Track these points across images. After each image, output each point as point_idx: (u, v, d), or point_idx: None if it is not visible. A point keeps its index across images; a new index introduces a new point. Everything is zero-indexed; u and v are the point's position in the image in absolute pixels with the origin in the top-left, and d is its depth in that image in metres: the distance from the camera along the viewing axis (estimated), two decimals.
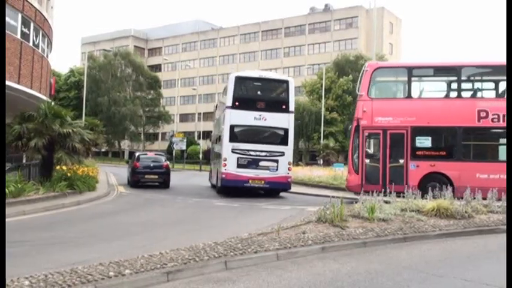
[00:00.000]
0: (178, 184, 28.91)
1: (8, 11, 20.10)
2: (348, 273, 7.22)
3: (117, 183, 26.40)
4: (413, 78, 18.17)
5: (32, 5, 22.13)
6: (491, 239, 10.63)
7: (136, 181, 24.40)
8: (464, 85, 18.08)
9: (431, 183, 16.49)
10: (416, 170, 17.19)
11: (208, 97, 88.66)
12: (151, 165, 24.84)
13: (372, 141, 18.26)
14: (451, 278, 7.06)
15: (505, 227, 11.61)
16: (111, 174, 33.32)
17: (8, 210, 12.82)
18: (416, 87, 18.50)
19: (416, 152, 17.39)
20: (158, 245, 8.52)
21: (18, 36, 20.94)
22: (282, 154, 20.49)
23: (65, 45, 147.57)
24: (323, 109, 55.62)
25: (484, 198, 13.29)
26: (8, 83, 19.52)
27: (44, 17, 24.34)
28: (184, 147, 56.31)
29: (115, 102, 72.16)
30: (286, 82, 21.43)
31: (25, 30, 21.68)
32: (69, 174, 18.20)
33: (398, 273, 7.28)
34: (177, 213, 15.17)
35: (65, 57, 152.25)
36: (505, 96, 17.07)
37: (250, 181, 20.14)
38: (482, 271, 7.60)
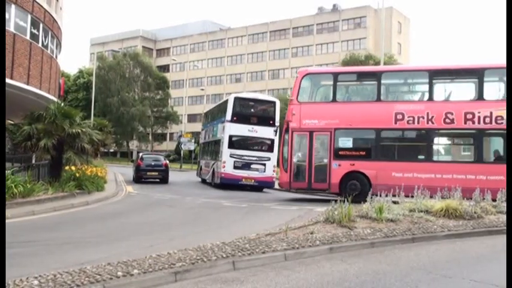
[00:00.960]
0: (186, 184, 29.05)
1: (17, 11, 20.23)
2: (356, 273, 7.21)
3: (126, 183, 26.52)
4: (338, 83, 19.16)
5: (41, 6, 22.26)
6: (501, 239, 10.53)
7: (140, 177, 28.02)
8: (383, 89, 18.87)
9: (351, 181, 17.81)
10: (338, 168, 18.19)
11: (216, 97, 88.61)
12: (153, 163, 28.63)
13: (299, 142, 19.12)
14: (460, 278, 7.03)
15: None
16: (120, 175, 33.43)
17: (18, 210, 12.94)
18: (340, 91, 19.53)
19: (339, 152, 18.45)
20: (166, 245, 8.55)
21: (28, 37, 21.06)
22: (269, 159, 25.43)
23: (74, 46, 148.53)
24: None
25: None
26: (17, 83, 19.65)
27: (53, 18, 24.48)
28: (192, 148, 56.34)
29: (124, 103, 72.41)
30: (274, 102, 26.52)
31: (34, 31, 21.80)
32: (77, 175, 18.31)
33: (406, 274, 7.25)
34: (185, 213, 15.20)
35: (74, 58, 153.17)
36: (423, 99, 18.27)
37: (243, 179, 25.15)
38: (492, 272, 7.56)
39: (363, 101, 19.64)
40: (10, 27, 19.49)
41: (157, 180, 27.96)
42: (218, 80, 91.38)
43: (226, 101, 26.57)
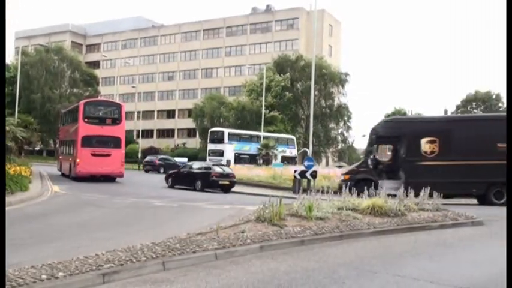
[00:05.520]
0: (113, 183, 28.44)
1: None
2: (286, 271, 7.32)
3: (52, 183, 25.57)
4: (66, 115, 35.23)
5: None
6: (422, 235, 11.09)
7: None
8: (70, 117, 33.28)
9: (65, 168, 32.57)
10: (62, 162, 33.65)
11: (148, 95, 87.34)
12: None
13: (60, 148, 35.78)
14: (384, 274, 7.30)
15: (434, 224, 12.25)
16: (46, 174, 32.20)
17: None
18: (65, 120, 35.00)
19: (62, 153, 35.08)
20: (94, 247, 8.33)
21: None
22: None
23: None
24: (263, 108, 56.05)
25: None
26: None
27: None
28: None
29: (49, 99, 69.60)
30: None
31: None
32: None
33: (334, 270, 7.45)
34: (114, 213, 14.87)
35: None
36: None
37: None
38: (414, 267, 7.90)
39: (66, 124, 34.23)
40: None
41: None
42: (150, 77, 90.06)
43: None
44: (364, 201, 12.70)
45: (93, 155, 28.27)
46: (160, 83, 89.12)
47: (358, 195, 13.86)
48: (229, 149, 50.07)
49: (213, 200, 19.71)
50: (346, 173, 22.17)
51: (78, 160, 28.00)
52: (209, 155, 50.86)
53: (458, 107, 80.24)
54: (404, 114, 71.47)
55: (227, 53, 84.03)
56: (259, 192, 23.48)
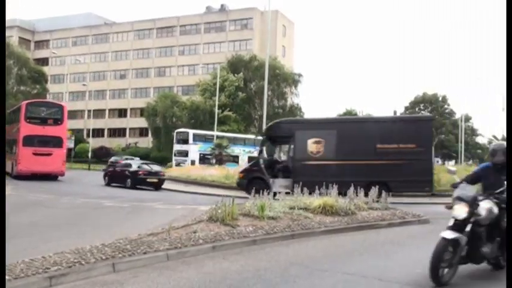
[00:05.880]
0: (64, 184, 27.83)
1: None
2: (238, 271, 7.34)
3: None
4: (16, 114, 33.23)
5: None
6: (371, 234, 11.34)
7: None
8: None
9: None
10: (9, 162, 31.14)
11: (99, 94, 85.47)
12: None
13: (9, 146, 31.08)
14: (334, 272, 7.42)
15: (383, 222, 12.56)
16: None
17: None
18: (11, 119, 32.98)
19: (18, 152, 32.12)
20: (41, 249, 8.11)
21: None
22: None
23: None
24: (216, 108, 55.96)
25: None
26: None
27: None
28: (72, 146, 53.97)
29: None
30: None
31: None
32: None
33: (285, 269, 7.52)
34: (63, 214, 14.52)
35: None
36: None
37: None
38: (362, 265, 8.06)
39: (10, 124, 31.79)
40: None
41: None
42: (102, 75, 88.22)
43: None
44: (316, 201, 12.87)
45: (35, 154, 29.23)
46: (111, 81, 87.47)
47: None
48: (194, 150, 50.65)
49: (165, 200, 19.55)
50: (241, 172, 22.85)
51: (19, 159, 29.04)
52: (175, 155, 51.58)
53: (406, 108, 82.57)
54: (355, 114, 72.94)
55: (180, 52, 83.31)
56: (212, 192, 23.44)
